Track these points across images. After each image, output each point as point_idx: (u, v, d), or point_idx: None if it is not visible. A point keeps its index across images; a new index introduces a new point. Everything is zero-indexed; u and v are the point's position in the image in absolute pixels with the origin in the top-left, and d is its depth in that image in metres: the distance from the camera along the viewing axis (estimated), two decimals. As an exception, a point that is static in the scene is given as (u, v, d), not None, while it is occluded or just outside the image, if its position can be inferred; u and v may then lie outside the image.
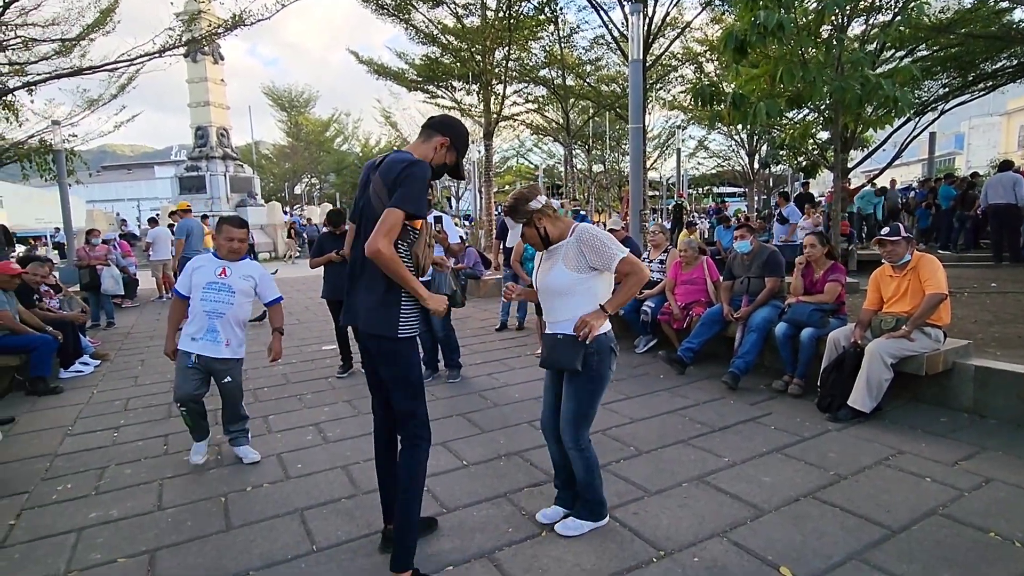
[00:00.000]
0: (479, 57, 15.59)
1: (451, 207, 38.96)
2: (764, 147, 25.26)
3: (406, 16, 15.40)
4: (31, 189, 20.55)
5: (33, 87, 10.40)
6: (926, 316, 3.65)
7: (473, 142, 29.73)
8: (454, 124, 2.38)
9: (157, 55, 8.83)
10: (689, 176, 38.24)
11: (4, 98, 10.56)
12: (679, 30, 15.20)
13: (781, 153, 17.51)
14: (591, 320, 2.39)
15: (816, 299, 4.39)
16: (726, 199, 43.95)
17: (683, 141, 30.44)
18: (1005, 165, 9.86)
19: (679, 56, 18.03)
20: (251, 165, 32.09)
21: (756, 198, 31.54)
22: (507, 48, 15.63)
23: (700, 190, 42.79)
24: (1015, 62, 11.92)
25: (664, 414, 4.09)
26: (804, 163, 17.27)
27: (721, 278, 5.22)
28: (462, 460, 3.43)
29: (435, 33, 15.75)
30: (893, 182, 16.61)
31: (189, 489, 3.20)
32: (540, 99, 17.54)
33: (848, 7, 5.29)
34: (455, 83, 17.21)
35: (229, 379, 3.46)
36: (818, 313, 4.30)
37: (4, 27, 9.44)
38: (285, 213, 29.35)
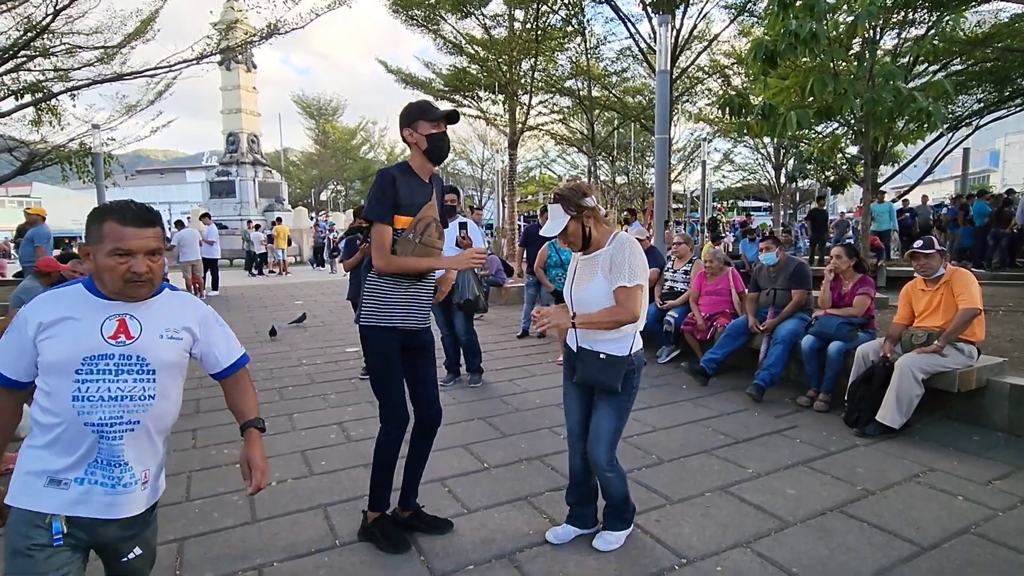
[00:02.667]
0: (505, 68, 15.76)
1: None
2: (791, 161, 24.96)
3: (435, 27, 15.66)
4: (69, 191, 21.31)
5: (75, 92, 10.81)
6: (959, 331, 3.57)
7: (497, 151, 29.93)
8: (404, 110, 2.50)
9: (195, 62, 9.12)
10: (714, 189, 37.99)
11: (48, 102, 10.99)
12: (707, 43, 15.20)
13: (808, 167, 17.35)
14: (554, 319, 2.26)
15: (845, 312, 4.33)
16: (751, 213, 43.57)
17: (708, 154, 30.26)
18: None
19: (706, 69, 18.00)
20: (279, 171, 32.75)
21: (782, 212, 31.16)
22: (534, 59, 15.78)
23: (725, 203, 42.38)
24: (1054, 78, 11.63)
25: (687, 424, 4.06)
26: (832, 178, 17.08)
27: (747, 289, 5.17)
28: (483, 463, 3.45)
29: (463, 44, 15.97)
30: (924, 198, 16.29)
31: (216, 481, 3.27)
32: (565, 110, 17.63)
33: (880, 19, 5.23)
34: (481, 93, 17.40)
35: (138, 552, 1.62)
36: (847, 326, 4.23)
37: (51, 34, 9.84)
38: (312, 219, 29.81)
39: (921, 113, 5.13)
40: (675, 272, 5.90)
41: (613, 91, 16.20)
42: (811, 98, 5.35)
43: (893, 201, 13.68)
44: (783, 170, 26.57)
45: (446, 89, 17.79)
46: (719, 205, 31.43)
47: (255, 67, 25.70)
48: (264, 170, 26.29)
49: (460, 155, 35.19)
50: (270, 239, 19.31)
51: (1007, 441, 3.57)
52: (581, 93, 16.00)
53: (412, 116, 2.46)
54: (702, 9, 13.47)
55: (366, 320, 2.49)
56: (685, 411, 4.34)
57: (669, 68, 7.19)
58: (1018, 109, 12.74)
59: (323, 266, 21.15)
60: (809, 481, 3.12)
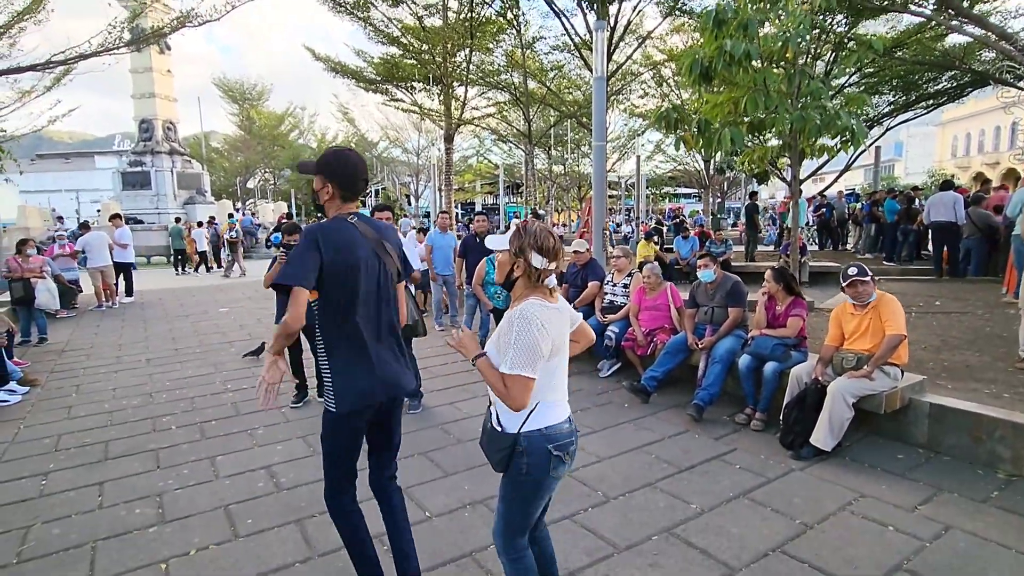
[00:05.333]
0: (440, 59, 15.35)
1: (409, 205, 38.42)
2: (719, 154, 25.83)
3: (365, 14, 15.02)
4: (-47, 183, 19.15)
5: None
6: (886, 357, 3.71)
7: (433, 143, 29.33)
8: (323, 160, 2.33)
9: (94, 55, 8.26)
10: (647, 178, 38.91)
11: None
12: (640, 40, 15.35)
13: (735, 159, 17.99)
14: (463, 347, 2.05)
15: (779, 333, 4.43)
16: (682, 200, 45.01)
17: (641, 145, 30.92)
18: (946, 185, 10.31)
19: (640, 63, 18.23)
20: (200, 159, 30.79)
21: (711, 200, 32.37)
22: (468, 51, 15.45)
23: (657, 191, 43.55)
24: (954, 84, 12.51)
25: (630, 451, 4.04)
26: (756, 170, 17.72)
27: (684, 305, 5.22)
28: (425, 511, 3.29)
29: (395, 33, 15.41)
30: (840, 193, 17.23)
31: (126, 553, 2.95)
32: (502, 104, 17.41)
33: (809, 35, 5.36)
34: (415, 84, 16.91)
35: None
36: (781, 347, 4.34)
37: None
38: (236, 211, 28.22)
39: (846, 130, 5.31)
40: (614, 285, 5.89)
41: (550, 86, 16.12)
42: (744, 114, 5.43)
43: (811, 197, 14.36)
44: (712, 162, 27.49)
45: (378, 79, 17.19)
46: (650, 193, 32.10)
47: (169, 49, 23.87)
48: (183, 160, 24.61)
49: (395, 143, 34.29)
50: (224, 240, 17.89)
51: (927, 458, 3.76)
52: (517, 88, 15.82)
53: (331, 171, 2.31)
54: (636, 5, 13.58)
55: (333, 407, 2.26)
56: (628, 435, 4.32)
57: (605, 73, 7.13)
58: (923, 112, 13.67)
59: (218, 267, 18.51)
60: (751, 517, 3.15)
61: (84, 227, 11.83)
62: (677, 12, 13.71)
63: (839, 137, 5.60)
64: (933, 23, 11.30)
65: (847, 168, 13.71)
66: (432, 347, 7.15)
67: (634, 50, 14.42)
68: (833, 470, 3.66)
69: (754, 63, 4.89)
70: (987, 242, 9.47)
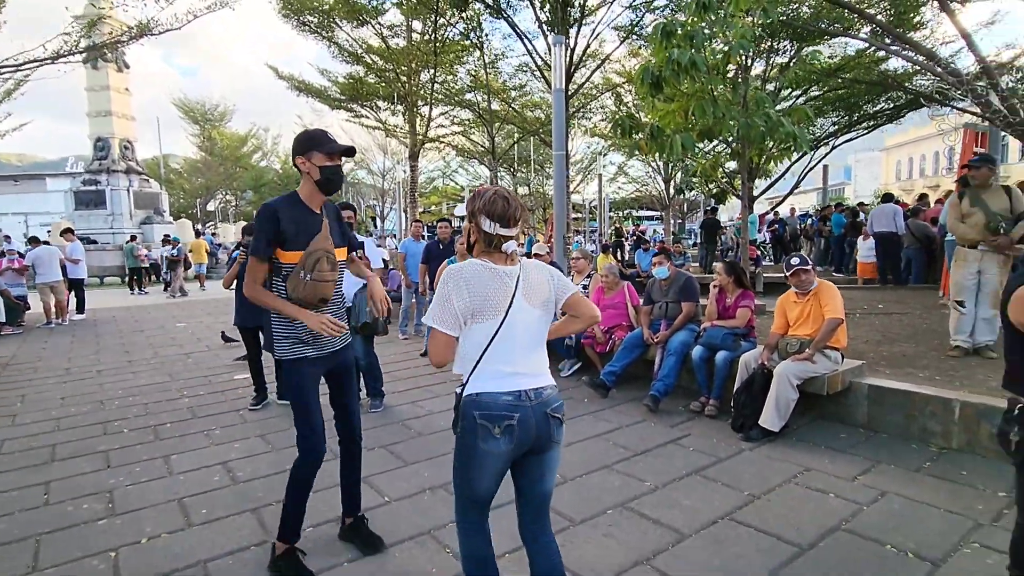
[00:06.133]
0: (404, 78, 15.56)
1: (375, 227, 38.27)
2: (679, 175, 26.66)
3: (329, 34, 15.16)
4: None
5: None
6: (826, 340, 3.92)
7: (399, 161, 29.42)
8: (299, 137, 2.45)
9: (49, 61, 8.11)
10: (610, 200, 39.80)
11: None
12: (599, 62, 15.87)
13: (694, 180, 18.65)
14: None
15: (728, 323, 4.62)
16: (645, 222, 46.13)
17: (604, 167, 31.66)
18: (887, 198, 10.89)
19: (600, 86, 18.79)
20: (158, 179, 30.12)
21: (672, 222, 33.26)
22: (433, 70, 15.70)
23: (620, 213, 44.49)
24: (892, 105, 13.34)
25: (588, 439, 4.13)
26: (715, 190, 18.44)
27: (641, 303, 5.39)
28: (383, 496, 3.30)
29: (359, 52, 15.57)
30: (792, 210, 17.99)
31: (73, 544, 2.87)
32: (466, 122, 17.70)
33: (752, 49, 5.70)
34: (380, 103, 17.05)
35: None
36: (731, 337, 4.52)
37: None
38: (199, 234, 27.61)
39: (788, 136, 5.63)
40: (575, 287, 6.03)
41: (512, 105, 16.49)
42: (694, 121, 5.71)
43: (764, 213, 14.98)
44: (672, 183, 28.33)
45: (343, 98, 17.27)
46: (614, 215, 32.98)
47: (127, 67, 23.48)
48: (140, 179, 24.02)
49: (360, 164, 34.25)
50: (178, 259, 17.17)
51: (867, 436, 3.96)
52: (481, 106, 16.13)
53: (307, 145, 2.41)
54: (594, 29, 14.09)
55: (280, 354, 2.51)
56: (587, 425, 4.42)
57: (565, 86, 7.39)
58: (864, 132, 14.49)
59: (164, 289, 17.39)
60: (702, 490, 3.27)
61: (34, 241, 11.43)
62: (634, 36, 14.28)
63: (783, 144, 5.92)
64: (872, 48, 12.09)
65: (796, 185, 14.41)
66: (396, 353, 7.15)
67: (592, 71, 14.91)
68: (780, 449, 3.81)
69: (701, 72, 5.15)
70: (925, 252, 10.02)
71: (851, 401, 4.12)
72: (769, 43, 13.11)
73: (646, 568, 2.53)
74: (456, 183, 36.53)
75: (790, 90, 14.25)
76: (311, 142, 2.40)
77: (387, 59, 15.48)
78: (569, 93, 13.05)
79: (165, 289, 17.28)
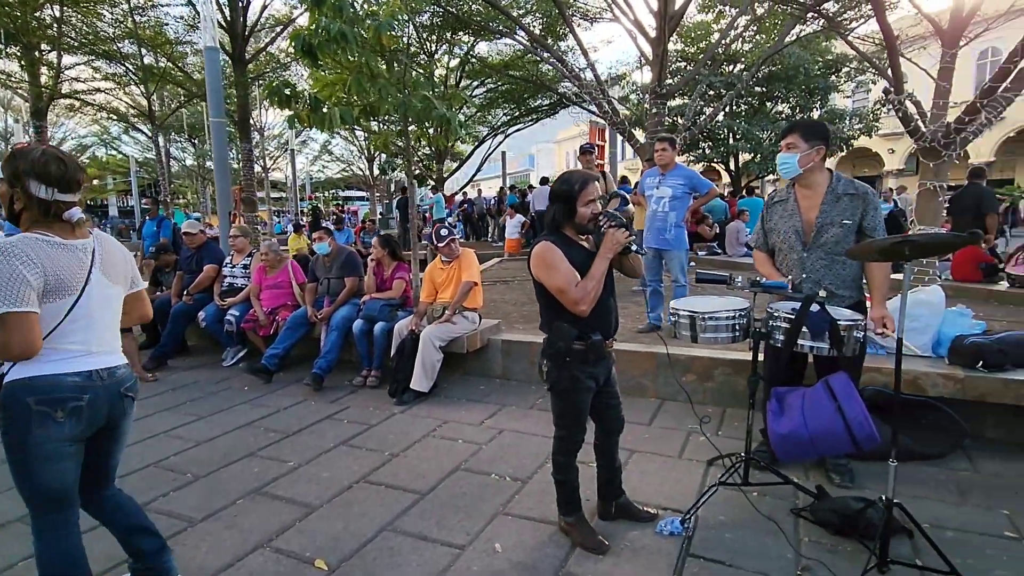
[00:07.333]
0: (18, 12, 12.01)
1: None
2: (383, 155, 26.88)
3: None
4: None
5: None
6: (462, 301, 4.35)
7: (21, 122, 22.93)
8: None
9: None
10: (315, 180, 38.05)
11: None
12: (284, 26, 14.74)
13: (397, 161, 19.04)
14: None
15: (386, 295, 4.78)
16: (354, 203, 45.46)
17: (304, 143, 29.99)
18: (543, 181, 12.76)
19: (288, 54, 17.50)
20: None
21: (380, 203, 33.49)
22: (61, 7, 12.47)
23: (328, 193, 43.00)
24: (548, 103, 15.65)
25: (237, 429, 3.83)
26: (417, 172, 19.12)
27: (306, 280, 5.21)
28: None
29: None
30: (479, 191, 19.85)
31: None
32: (113, 77, 14.62)
33: (400, 28, 5.92)
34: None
35: None
36: (387, 308, 4.69)
37: None
38: None
39: (442, 119, 6.03)
40: (234, 267, 5.52)
41: (180, 64, 14.19)
42: (355, 96, 5.67)
43: (454, 194, 16.22)
44: (375, 163, 28.45)
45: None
46: (320, 195, 31.80)
47: None
48: None
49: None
50: None
51: (501, 385, 4.55)
52: (131, 60, 13.50)
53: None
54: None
55: None
56: (239, 415, 4.09)
57: (233, 48, 6.62)
58: (531, 123, 16.73)
59: None
60: (345, 459, 3.32)
61: None
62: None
63: (438, 127, 6.32)
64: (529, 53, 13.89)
65: (480, 168, 15.91)
66: None
67: (274, 37, 13.75)
68: (428, 407, 4.12)
69: (351, 46, 5.12)
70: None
71: (489, 356, 4.68)
72: (449, 34, 14.03)
73: (264, 551, 2.44)
74: (122, 153, 30.32)
75: (470, 81, 15.59)
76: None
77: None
78: (247, 58, 11.84)
79: None
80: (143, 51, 12.80)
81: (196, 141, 23.49)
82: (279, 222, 31.03)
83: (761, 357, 2.65)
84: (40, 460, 1.74)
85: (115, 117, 16.59)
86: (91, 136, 28.74)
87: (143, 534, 2.06)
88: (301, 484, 3.02)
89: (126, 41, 13.97)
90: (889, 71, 5.61)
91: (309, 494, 2.91)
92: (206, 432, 3.77)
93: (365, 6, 5.35)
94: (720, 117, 16.22)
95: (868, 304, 2.81)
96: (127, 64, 13.53)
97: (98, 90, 14.83)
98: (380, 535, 2.53)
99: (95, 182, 34.97)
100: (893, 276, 2.94)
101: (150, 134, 14.04)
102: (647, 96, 9.60)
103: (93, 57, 14.25)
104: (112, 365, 1.87)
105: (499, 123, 16.17)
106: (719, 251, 10.54)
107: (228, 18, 10.72)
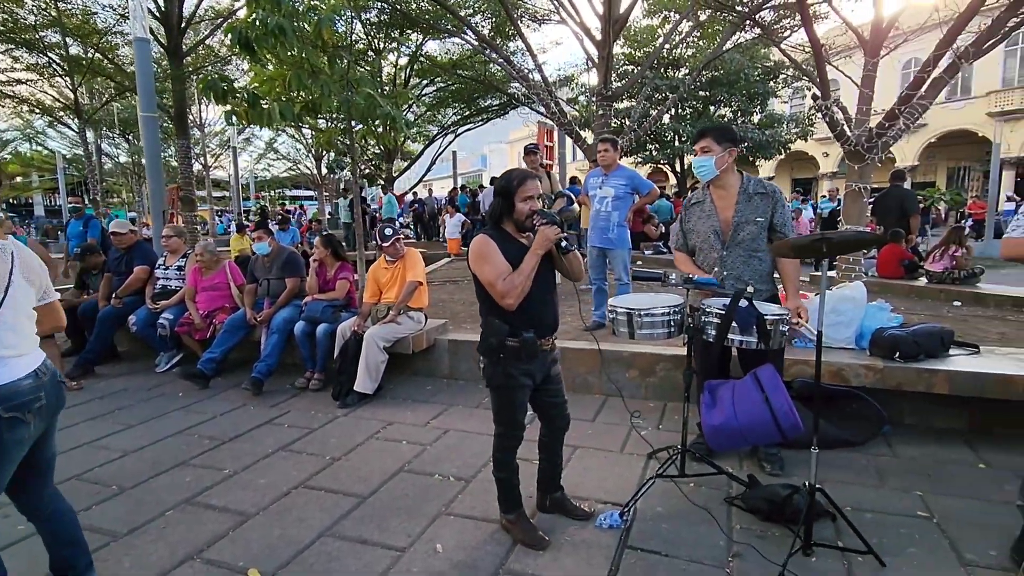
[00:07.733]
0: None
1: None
2: (331, 154, 26.25)
3: None
4: None
5: None
6: (407, 301, 4.30)
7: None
8: None
9: None
10: (260, 179, 36.81)
11: None
12: (223, 18, 14.20)
13: (345, 160, 18.63)
14: None
15: (329, 296, 4.67)
16: (304, 202, 44.22)
17: (248, 140, 28.97)
18: (492, 181, 12.77)
19: (230, 48, 16.90)
20: None
21: (329, 202, 32.68)
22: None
23: (274, 192, 41.68)
24: (497, 103, 15.67)
25: (170, 437, 3.67)
26: (367, 171, 18.80)
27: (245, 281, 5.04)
28: None
29: None
30: (430, 191, 19.71)
31: None
32: (37, 68, 13.74)
33: (347, 25, 5.81)
34: None
35: None
36: (330, 309, 4.58)
37: None
38: None
39: (387, 117, 5.95)
40: (167, 269, 5.28)
41: (108, 55, 13.43)
42: (296, 92, 5.52)
43: (404, 193, 16.06)
44: (323, 161, 27.74)
45: None
46: (266, 195, 30.80)
47: None
48: None
49: None
50: None
51: (449, 385, 4.53)
52: (60, 51, 12.73)
53: None
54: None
55: None
56: (172, 422, 3.92)
57: (147, 35, 6.32)
58: (480, 123, 16.73)
59: None
60: (284, 465, 3.22)
61: None
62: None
63: (383, 123, 6.22)
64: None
65: (430, 168, 15.78)
66: None
67: (210, 32, 13.22)
68: (372, 409, 4.05)
69: (290, 40, 4.98)
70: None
71: (436, 356, 4.64)
72: (398, 32, 13.84)
73: (194, 563, 2.34)
74: (48, 149, 28.53)
75: (419, 80, 15.44)
76: None
77: None
78: (183, 50, 11.35)
79: None
80: (68, 41, 12.07)
81: (130, 137, 22.30)
82: (221, 222, 29.92)
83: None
84: (11, 463, 1.81)
85: (39, 111, 15.57)
86: (12, 131, 26.94)
87: (76, 548, 2.05)
88: (236, 492, 2.92)
89: (49, 30, 13.17)
90: (818, 78, 5.89)
91: (245, 502, 2.81)
92: (135, 441, 3.59)
93: (306, 0, 5.21)
94: (666, 120, 16.68)
95: (781, 297, 2.96)
96: (50, 55, 12.73)
97: (19, 81, 13.90)
98: (318, 540, 2.48)
99: (17, 179, 32.88)
100: (814, 273, 3.09)
101: (77, 129, 13.25)
102: (594, 98, 9.74)
103: (12, 47, 13.36)
104: (43, 358, 1.90)
105: (449, 123, 16.09)
106: (664, 250, 10.81)
107: (163, 8, 10.25)
